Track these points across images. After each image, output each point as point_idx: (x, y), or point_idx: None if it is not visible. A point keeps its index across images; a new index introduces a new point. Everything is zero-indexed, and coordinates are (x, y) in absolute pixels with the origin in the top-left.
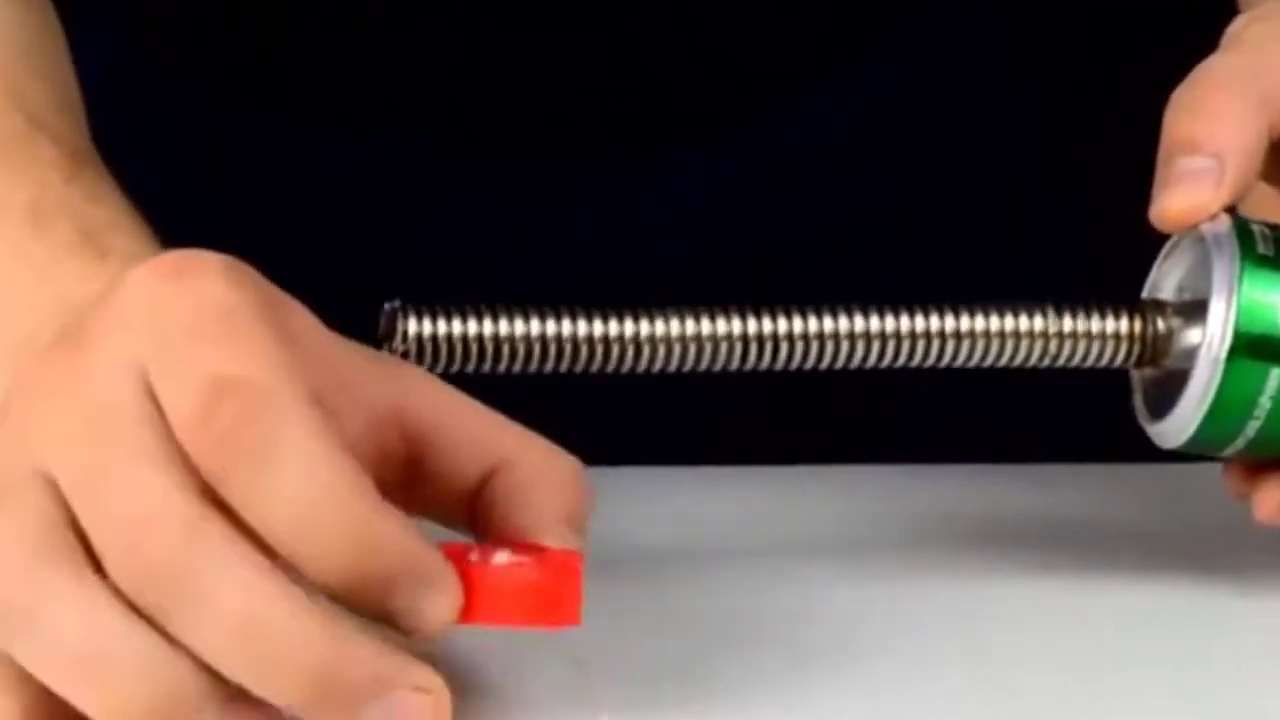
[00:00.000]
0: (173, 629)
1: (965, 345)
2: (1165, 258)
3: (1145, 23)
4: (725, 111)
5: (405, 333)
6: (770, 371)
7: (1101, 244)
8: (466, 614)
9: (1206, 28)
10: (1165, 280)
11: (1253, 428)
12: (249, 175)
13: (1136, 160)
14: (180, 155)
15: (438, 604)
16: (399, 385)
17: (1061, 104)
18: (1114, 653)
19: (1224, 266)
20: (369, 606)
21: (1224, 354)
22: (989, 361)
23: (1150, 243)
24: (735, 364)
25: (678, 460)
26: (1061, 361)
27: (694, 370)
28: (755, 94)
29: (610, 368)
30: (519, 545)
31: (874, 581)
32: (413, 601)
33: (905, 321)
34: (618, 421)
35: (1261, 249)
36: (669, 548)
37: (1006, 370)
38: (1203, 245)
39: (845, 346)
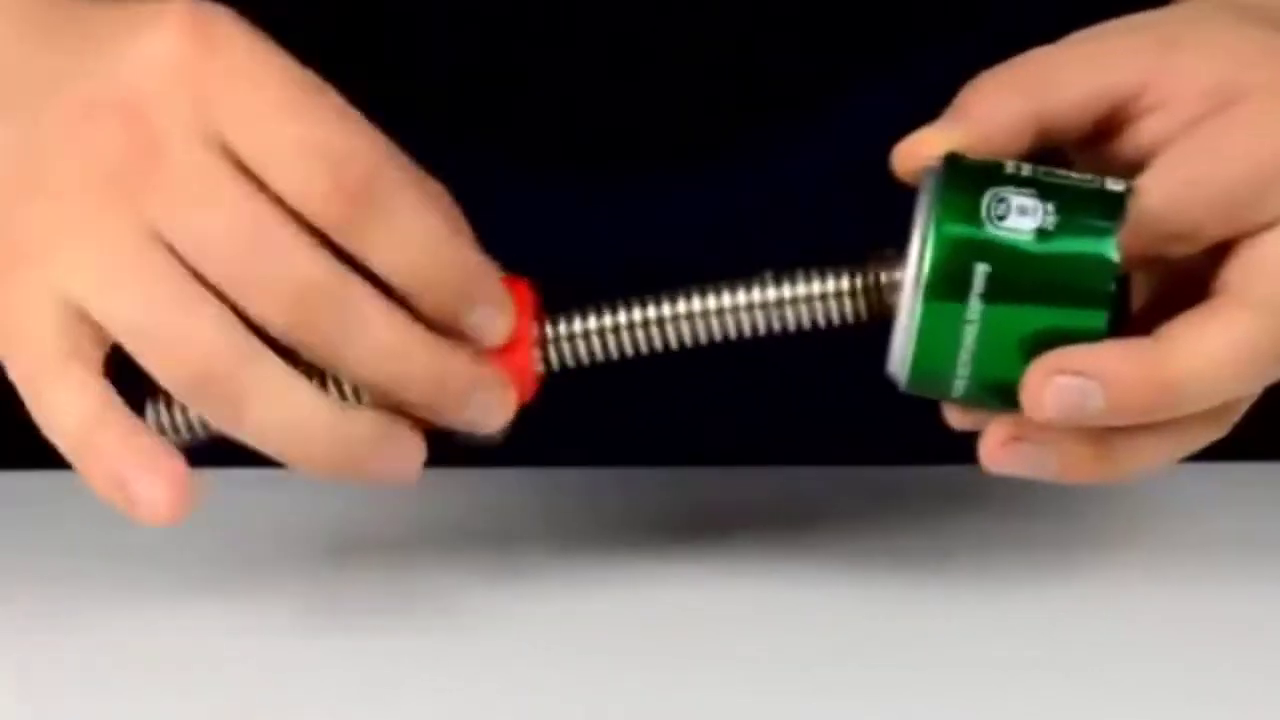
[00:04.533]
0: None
1: (686, 327)
2: (915, 211)
3: None
4: (747, 131)
5: (154, 421)
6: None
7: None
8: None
9: None
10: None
11: (970, 335)
12: None
13: None
14: None
15: (498, 321)
16: None
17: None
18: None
19: (929, 184)
20: (453, 323)
21: (928, 243)
22: (717, 338)
23: None
24: None
25: (679, 461)
26: (793, 326)
27: None
28: (775, 117)
29: None
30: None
31: (875, 582)
32: (484, 318)
33: (625, 315)
34: (618, 421)
35: (968, 161)
36: (668, 549)
37: None
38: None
39: (567, 348)
